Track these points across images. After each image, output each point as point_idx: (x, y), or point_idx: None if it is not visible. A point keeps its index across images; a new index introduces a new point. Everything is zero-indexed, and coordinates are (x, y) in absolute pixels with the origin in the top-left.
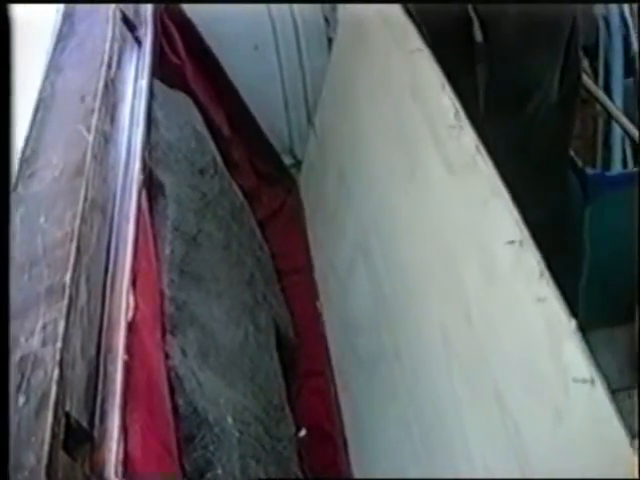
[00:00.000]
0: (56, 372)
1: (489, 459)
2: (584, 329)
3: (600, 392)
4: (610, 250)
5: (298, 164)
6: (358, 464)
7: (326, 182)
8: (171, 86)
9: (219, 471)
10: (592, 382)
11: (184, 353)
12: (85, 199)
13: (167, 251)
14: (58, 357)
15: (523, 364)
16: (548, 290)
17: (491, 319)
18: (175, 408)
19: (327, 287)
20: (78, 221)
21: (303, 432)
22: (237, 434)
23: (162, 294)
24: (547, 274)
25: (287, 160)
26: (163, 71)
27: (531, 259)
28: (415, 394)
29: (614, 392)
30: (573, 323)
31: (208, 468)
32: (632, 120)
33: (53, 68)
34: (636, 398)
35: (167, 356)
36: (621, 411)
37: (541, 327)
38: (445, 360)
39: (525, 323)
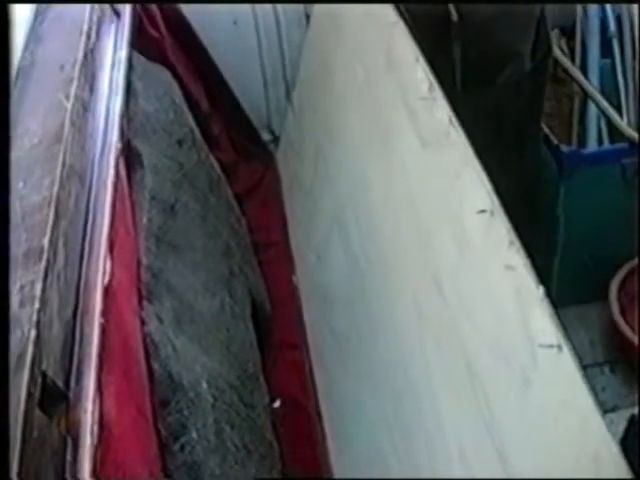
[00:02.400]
0: (33, 333)
1: (459, 425)
2: (557, 305)
3: (567, 357)
4: (584, 227)
5: (276, 140)
6: (332, 435)
7: (303, 157)
8: (150, 59)
9: (194, 435)
10: (559, 348)
11: (160, 320)
12: (63, 165)
13: (144, 220)
14: (35, 318)
15: (492, 332)
16: (517, 258)
17: (462, 288)
18: (150, 373)
19: (303, 261)
20: (56, 187)
21: (277, 403)
22: (211, 400)
23: (139, 262)
24: (517, 243)
25: (265, 136)
26: (142, 44)
27: (501, 228)
28: (388, 365)
29: (586, 367)
30: (541, 290)
31: (183, 432)
32: (608, 99)
33: (33, 38)
34: (609, 373)
35: (143, 322)
36: (594, 387)
37: (510, 295)
38: (418, 331)
39: (494, 291)
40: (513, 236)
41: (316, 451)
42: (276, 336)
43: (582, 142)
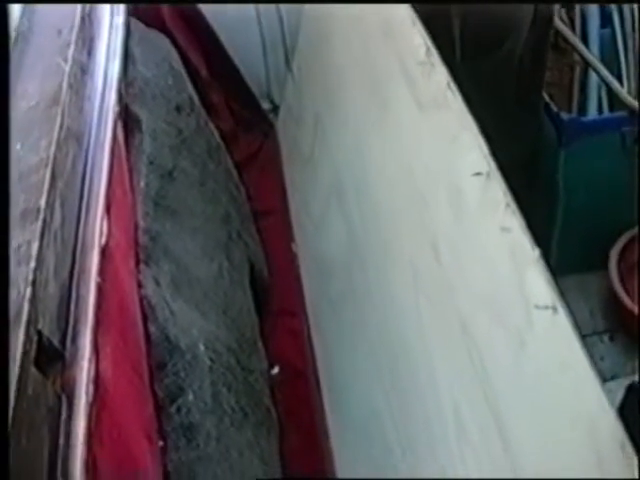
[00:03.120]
0: (29, 291)
1: (454, 386)
2: (557, 274)
3: (562, 319)
4: (584, 196)
5: (275, 109)
6: (330, 401)
7: (302, 126)
8: (148, 26)
9: (190, 397)
10: (554, 309)
11: (157, 283)
12: (61, 127)
13: (142, 184)
14: (31, 277)
15: (487, 293)
16: (513, 220)
17: (458, 251)
18: (147, 336)
19: (302, 229)
20: (53, 148)
21: (276, 369)
22: (209, 362)
23: (136, 225)
24: (513, 205)
25: (265, 105)
26: (140, 11)
27: (497, 190)
28: (384, 329)
29: (585, 336)
30: (536, 252)
31: (179, 394)
32: (608, 68)
33: (29, 4)
34: (608, 342)
35: (140, 285)
36: (593, 356)
37: (505, 256)
38: (413, 293)
39: (490, 253)
40: (509, 198)
41: (314, 417)
42: (275, 303)
43: (582, 111)
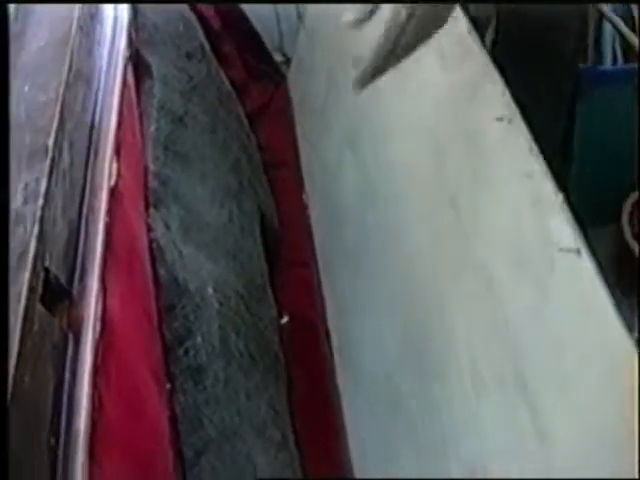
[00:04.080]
0: (36, 228)
1: (473, 340)
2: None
3: (586, 262)
4: (598, 148)
5: (288, 61)
6: (340, 352)
7: (315, 78)
8: None
9: (198, 339)
10: (578, 252)
11: (167, 226)
12: (70, 68)
13: (152, 128)
14: (39, 214)
15: (509, 242)
16: (536, 166)
17: (477, 200)
18: (156, 278)
19: (314, 181)
20: (62, 88)
21: (285, 319)
22: (217, 305)
23: (146, 169)
24: (535, 150)
25: (277, 57)
26: None
27: (519, 136)
28: (399, 283)
29: None
30: (560, 197)
31: (187, 337)
32: (623, 19)
33: None
34: (620, 296)
35: (149, 228)
36: None
37: (528, 203)
38: (431, 247)
39: (512, 199)
40: (532, 143)
41: (323, 367)
42: (285, 254)
43: (598, 62)
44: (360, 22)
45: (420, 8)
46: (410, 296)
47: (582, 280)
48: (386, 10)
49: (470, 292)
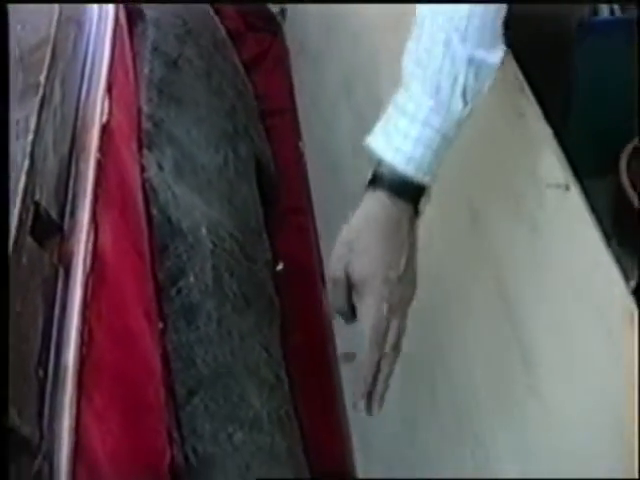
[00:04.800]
0: (26, 163)
1: (464, 277)
2: None
3: (575, 197)
4: (595, 98)
5: (283, 12)
6: None
7: (311, 27)
8: None
9: (191, 279)
10: (566, 187)
11: (160, 167)
12: (61, 10)
13: (146, 70)
14: (29, 149)
15: (498, 180)
16: (527, 104)
17: (468, 140)
18: (149, 219)
19: (310, 128)
20: (54, 28)
21: (281, 266)
22: (211, 245)
23: (139, 110)
24: (527, 90)
25: (273, 8)
26: None
27: (510, 74)
28: None
29: None
30: (550, 133)
31: (180, 276)
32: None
33: None
34: (616, 246)
35: (143, 169)
36: None
37: (518, 141)
38: None
39: (503, 139)
40: (523, 83)
41: (319, 315)
42: (281, 201)
43: (594, 13)
44: None
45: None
46: None
47: (571, 215)
48: None
49: (461, 231)
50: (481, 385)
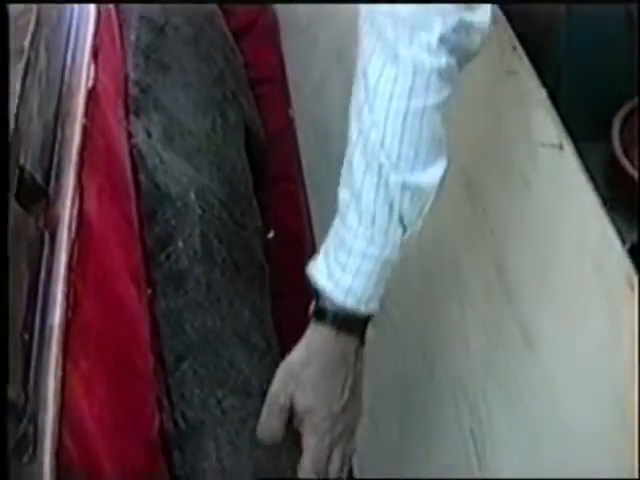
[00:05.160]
0: (11, 127)
1: (457, 244)
2: None
3: (569, 156)
4: (586, 64)
5: None
6: None
7: None
8: None
9: (180, 244)
10: (560, 147)
11: (148, 133)
12: None
13: (132, 37)
14: (14, 112)
15: (490, 139)
16: (519, 63)
17: (459, 100)
18: (137, 185)
19: (300, 95)
20: None
21: (271, 234)
22: (199, 211)
23: (126, 76)
24: (520, 49)
25: None
26: None
27: (502, 34)
28: None
29: None
30: (543, 92)
31: (169, 242)
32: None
33: None
34: (609, 211)
35: (130, 135)
36: None
37: (511, 100)
38: None
39: (495, 98)
40: (515, 42)
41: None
42: (271, 168)
43: None
44: None
45: None
46: None
47: (565, 175)
48: None
49: (454, 196)
50: (477, 355)
